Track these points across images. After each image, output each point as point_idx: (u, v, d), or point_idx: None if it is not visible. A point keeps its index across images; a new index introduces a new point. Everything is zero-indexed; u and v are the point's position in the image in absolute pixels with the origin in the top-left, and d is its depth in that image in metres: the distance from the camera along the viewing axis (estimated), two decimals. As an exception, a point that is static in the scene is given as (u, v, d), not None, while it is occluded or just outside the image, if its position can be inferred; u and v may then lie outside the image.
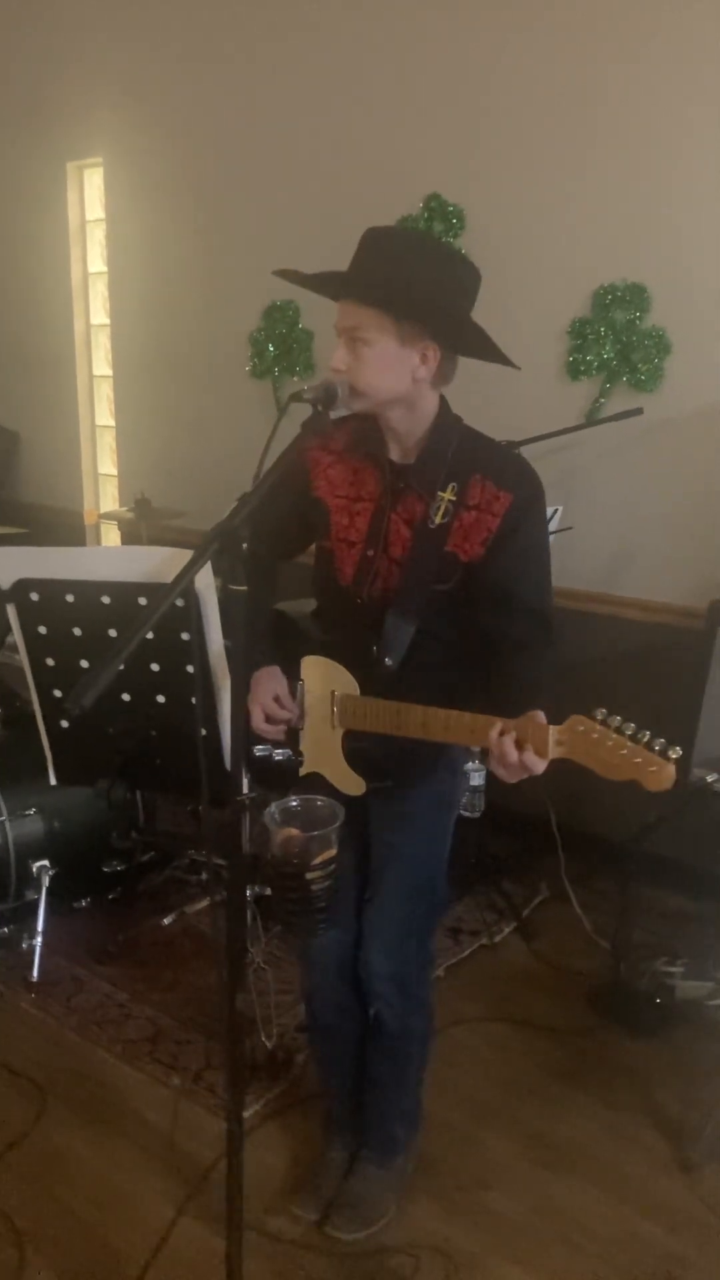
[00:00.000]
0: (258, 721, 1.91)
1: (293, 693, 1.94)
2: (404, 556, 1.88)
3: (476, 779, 3.65)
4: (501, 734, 1.61)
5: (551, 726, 1.58)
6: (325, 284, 1.80)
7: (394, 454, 1.90)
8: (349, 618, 1.94)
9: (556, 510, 3.23)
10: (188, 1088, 2.66)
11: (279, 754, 1.95)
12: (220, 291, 4.42)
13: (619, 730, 1.51)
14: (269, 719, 1.92)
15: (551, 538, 3.24)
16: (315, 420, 1.69)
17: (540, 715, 1.60)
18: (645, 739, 1.51)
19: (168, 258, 4.70)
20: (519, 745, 1.60)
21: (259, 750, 1.96)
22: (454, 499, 1.83)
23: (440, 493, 1.84)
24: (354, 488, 1.93)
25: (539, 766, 1.60)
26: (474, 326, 1.80)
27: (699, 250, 3.26)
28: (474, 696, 1.78)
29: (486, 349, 1.82)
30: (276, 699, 1.92)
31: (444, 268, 1.79)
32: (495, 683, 1.85)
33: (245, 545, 1.46)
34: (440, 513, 1.84)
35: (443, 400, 1.89)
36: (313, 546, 2.06)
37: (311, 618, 2.07)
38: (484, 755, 3.64)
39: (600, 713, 1.54)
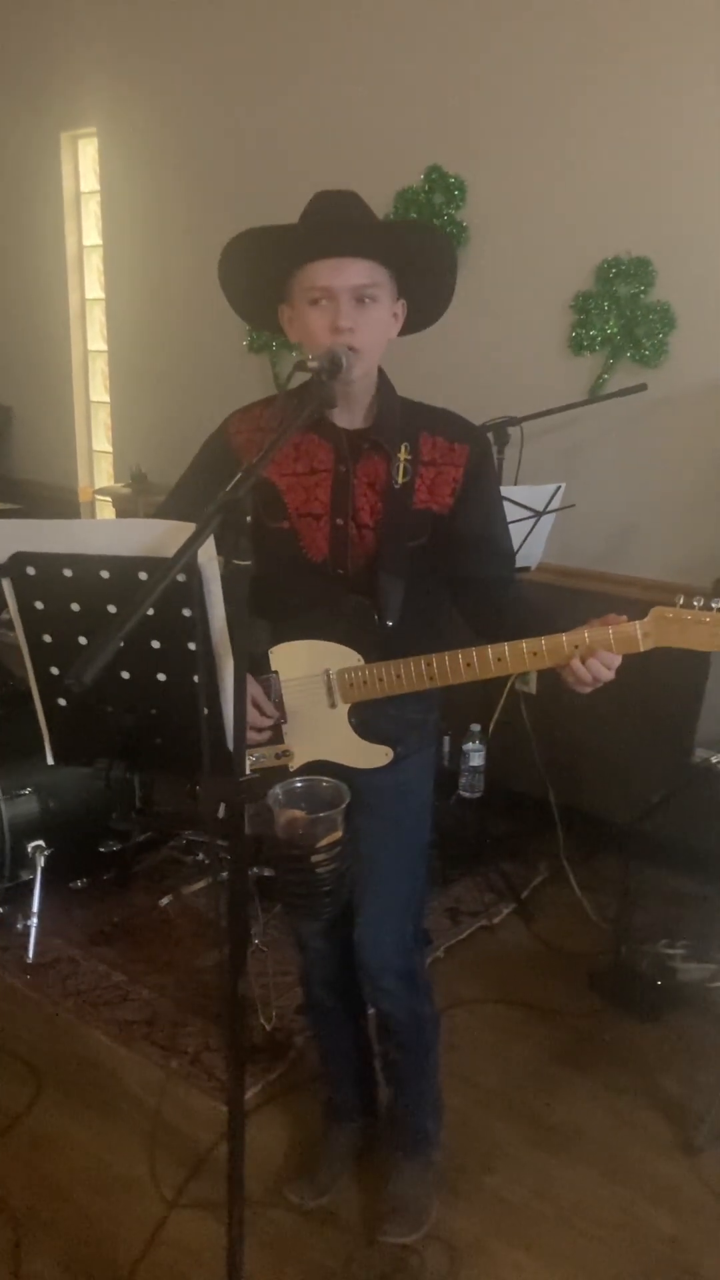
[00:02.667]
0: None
1: (266, 692, 1.89)
2: (376, 520, 1.87)
3: (477, 759, 3.63)
4: (577, 647, 1.67)
5: (636, 622, 1.66)
6: (328, 235, 1.72)
7: (342, 421, 1.87)
8: (328, 593, 1.89)
9: (559, 487, 3.18)
10: (185, 1070, 2.63)
11: (255, 755, 1.89)
12: (217, 264, 4.35)
13: (706, 608, 1.63)
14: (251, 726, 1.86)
15: (554, 515, 3.22)
16: (320, 390, 1.64)
17: (614, 617, 1.68)
18: None
19: (164, 230, 4.63)
20: (593, 654, 1.67)
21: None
22: (410, 457, 1.85)
23: (397, 453, 1.85)
24: (302, 462, 1.89)
25: (615, 662, 1.68)
26: (447, 276, 1.83)
27: (705, 224, 3.21)
28: (453, 641, 1.81)
29: (440, 300, 1.87)
30: (254, 703, 1.86)
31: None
32: (491, 620, 1.88)
33: (249, 519, 1.42)
34: (401, 472, 1.85)
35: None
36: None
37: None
38: (484, 734, 3.63)
39: (680, 598, 1.64)
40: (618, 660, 1.68)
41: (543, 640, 1.69)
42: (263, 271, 1.80)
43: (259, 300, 1.86)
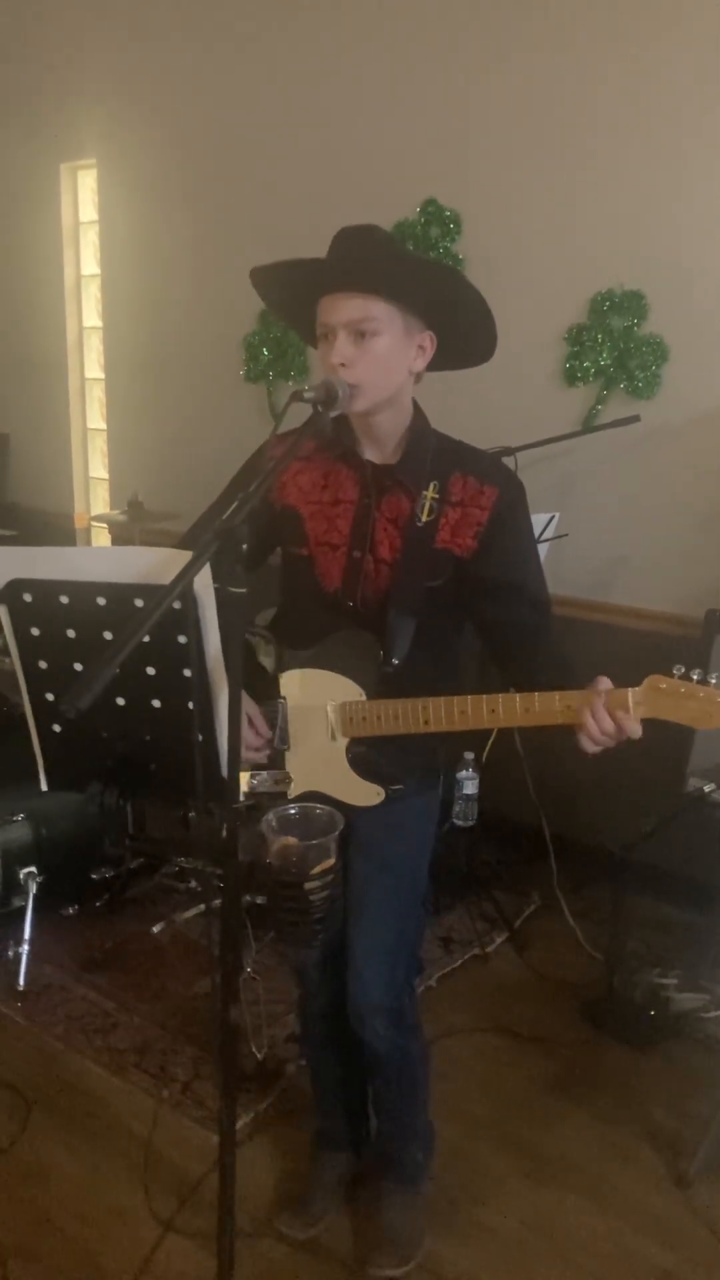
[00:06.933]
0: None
1: (271, 717, 1.89)
2: (394, 557, 1.85)
3: (470, 787, 3.63)
4: (579, 706, 1.62)
5: (629, 690, 1.61)
6: (322, 275, 1.73)
7: (371, 455, 1.87)
8: (338, 624, 1.89)
9: (553, 517, 3.21)
10: (176, 1099, 2.62)
11: (256, 779, 1.90)
12: (214, 294, 4.39)
13: (703, 682, 1.56)
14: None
15: (547, 545, 3.24)
16: (316, 420, 1.65)
17: (607, 680, 1.63)
18: None
19: (161, 260, 4.67)
20: (610, 712, 1.62)
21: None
22: (437, 496, 1.83)
23: (424, 491, 1.83)
24: (329, 491, 1.89)
25: (636, 728, 1.62)
26: (474, 310, 1.78)
27: (698, 257, 3.25)
28: (464, 686, 1.78)
29: (481, 335, 1.82)
30: (248, 720, 1.86)
31: (425, 255, 1.76)
32: (524, 669, 1.83)
33: (245, 546, 1.43)
34: (426, 510, 1.82)
35: (414, 399, 1.88)
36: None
37: (272, 630, 2.00)
38: (476, 763, 3.63)
39: (679, 669, 1.58)
40: (635, 727, 1.62)
41: (535, 697, 1.66)
42: (297, 307, 1.82)
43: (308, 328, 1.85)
